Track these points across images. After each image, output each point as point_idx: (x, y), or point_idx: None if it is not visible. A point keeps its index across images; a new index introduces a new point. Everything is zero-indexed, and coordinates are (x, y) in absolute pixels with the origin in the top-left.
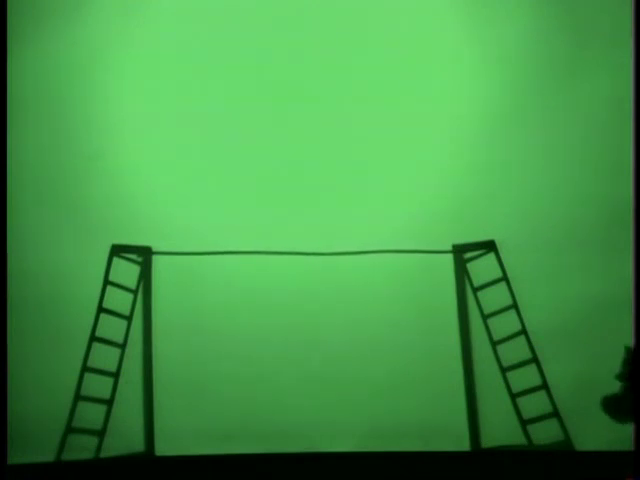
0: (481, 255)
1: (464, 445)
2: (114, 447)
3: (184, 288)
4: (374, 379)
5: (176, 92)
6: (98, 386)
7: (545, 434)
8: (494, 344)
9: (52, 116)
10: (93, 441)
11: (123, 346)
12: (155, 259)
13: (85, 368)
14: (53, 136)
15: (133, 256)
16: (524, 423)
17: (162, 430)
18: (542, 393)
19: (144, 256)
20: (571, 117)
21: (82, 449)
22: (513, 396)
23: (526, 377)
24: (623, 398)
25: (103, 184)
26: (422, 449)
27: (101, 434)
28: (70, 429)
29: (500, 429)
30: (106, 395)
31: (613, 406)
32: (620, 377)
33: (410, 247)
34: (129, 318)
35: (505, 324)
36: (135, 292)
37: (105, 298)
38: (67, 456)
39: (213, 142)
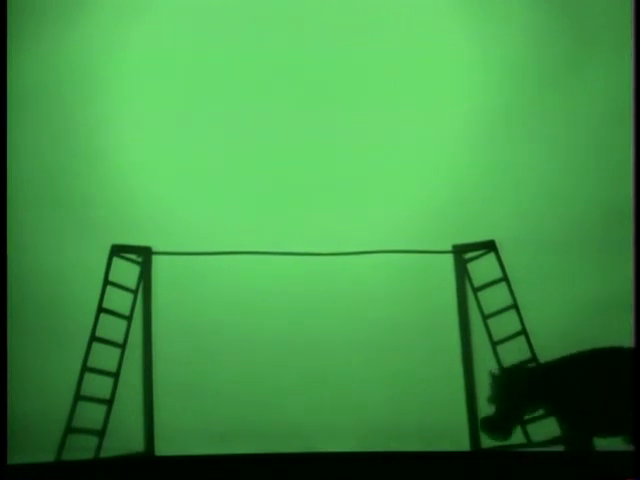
0: (481, 255)
1: (464, 445)
2: (114, 447)
3: (184, 288)
4: (374, 379)
5: (176, 93)
6: (98, 386)
7: (545, 434)
8: (494, 344)
9: (52, 116)
10: (93, 441)
11: (123, 346)
12: (155, 259)
13: (85, 368)
14: (53, 136)
15: (133, 256)
16: (524, 423)
17: (162, 430)
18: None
19: (144, 256)
20: (571, 117)
21: (82, 449)
22: None
23: None
24: (497, 419)
25: (103, 184)
26: (422, 449)
27: (101, 434)
28: (70, 429)
29: None
30: (106, 395)
31: (489, 426)
32: (490, 399)
33: (410, 247)
34: (129, 318)
35: (505, 324)
36: (135, 292)
37: (105, 298)
38: (67, 456)
39: (213, 143)
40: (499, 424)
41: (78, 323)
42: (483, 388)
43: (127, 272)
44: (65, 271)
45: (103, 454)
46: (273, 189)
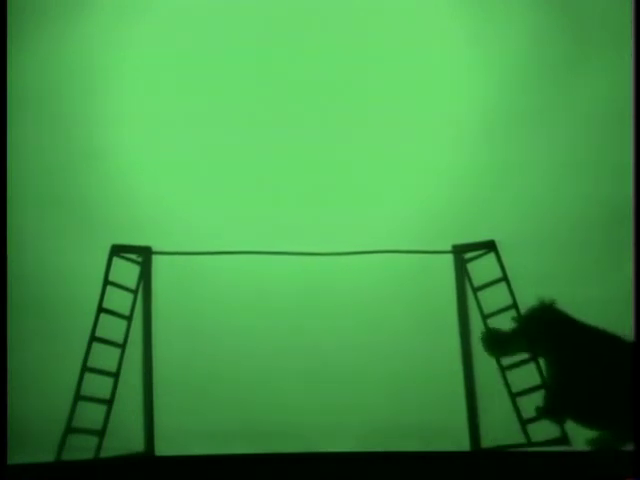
0: (481, 255)
1: (464, 445)
2: (114, 447)
3: (184, 288)
4: (374, 379)
5: (176, 93)
6: (98, 386)
7: (545, 434)
8: None
9: (52, 116)
10: (93, 441)
11: (123, 346)
12: (155, 259)
13: (85, 368)
14: (53, 136)
15: (133, 256)
16: (524, 423)
17: (162, 430)
18: (542, 393)
19: (144, 256)
20: (571, 117)
21: (82, 449)
22: (513, 396)
23: (526, 377)
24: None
25: (103, 184)
26: (422, 449)
27: (101, 434)
28: (70, 429)
29: (500, 429)
30: (106, 395)
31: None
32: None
33: (410, 247)
34: (129, 318)
35: (505, 324)
36: (135, 292)
37: (105, 298)
38: (67, 456)
39: (213, 143)
40: (499, 341)
41: (78, 323)
42: (483, 388)
43: (127, 272)
44: (65, 271)
45: (103, 454)
46: (273, 189)
